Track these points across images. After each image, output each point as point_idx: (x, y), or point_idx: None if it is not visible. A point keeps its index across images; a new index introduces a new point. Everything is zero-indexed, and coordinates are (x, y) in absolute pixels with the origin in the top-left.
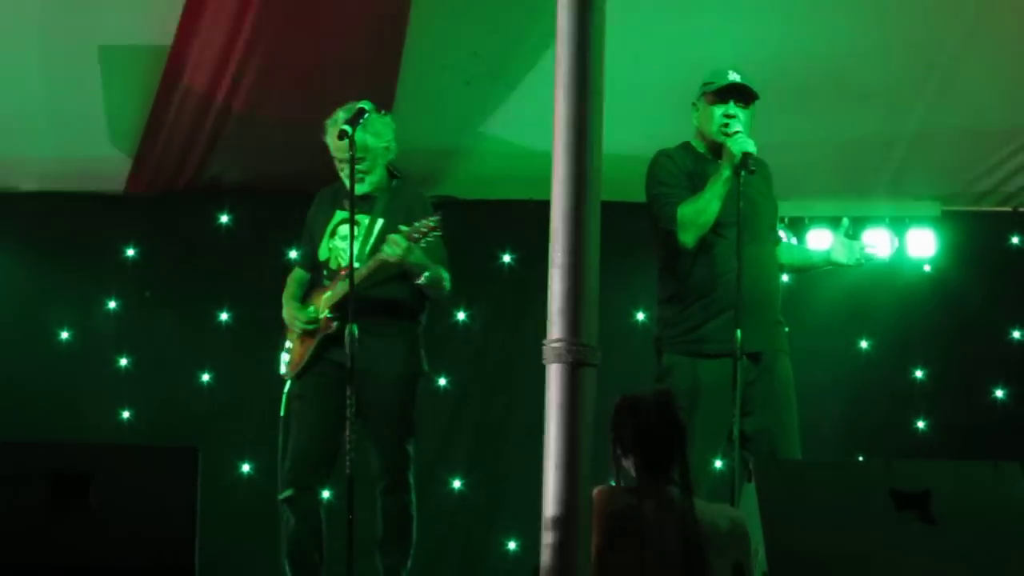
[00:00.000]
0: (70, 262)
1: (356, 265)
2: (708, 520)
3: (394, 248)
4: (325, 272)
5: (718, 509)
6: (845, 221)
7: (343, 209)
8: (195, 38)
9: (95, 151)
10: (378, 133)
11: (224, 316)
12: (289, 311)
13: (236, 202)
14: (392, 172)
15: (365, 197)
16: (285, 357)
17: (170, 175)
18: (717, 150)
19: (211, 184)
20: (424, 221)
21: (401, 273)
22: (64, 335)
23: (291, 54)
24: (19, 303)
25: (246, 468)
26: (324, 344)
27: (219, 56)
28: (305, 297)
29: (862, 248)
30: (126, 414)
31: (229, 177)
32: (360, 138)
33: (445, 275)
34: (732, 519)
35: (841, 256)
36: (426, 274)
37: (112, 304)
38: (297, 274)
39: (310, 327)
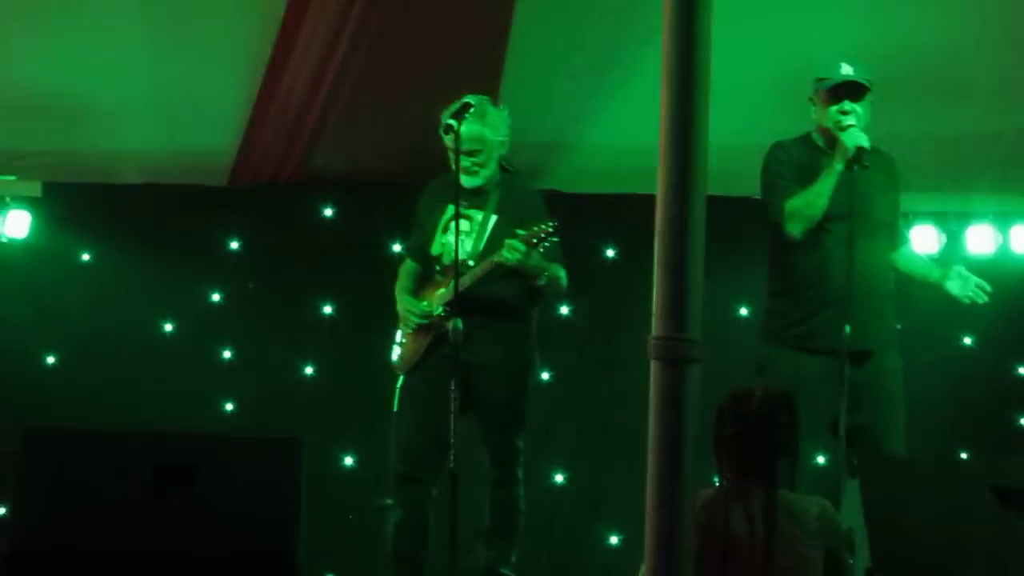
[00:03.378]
0: (174, 254)
1: (469, 263)
2: (798, 510)
3: (513, 253)
4: (438, 267)
5: (808, 500)
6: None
7: (454, 203)
8: (301, 30)
9: (200, 143)
10: (495, 126)
11: (327, 308)
12: (403, 304)
13: (339, 194)
14: (504, 167)
15: (478, 191)
16: (397, 351)
17: (274, 167)
18: (835, 144)
19: (315, 176)
20: (542, 226)
21: (513, 271)
22: (168, 327)
23: (396, 46)
24: (123, 295)
25: (349, 461)
26: (437, 340)
27: (324, 48)
28: (418, 290)
29: (976, 286)
30: (229, 406)
31: (333, 169)
32: (477, 130)
33: (562, 274)
34: (823, 508)
35: (955, 288)
36: (544, 274)
37: (215, 296)
38: (408, 266)
39: (424, 322)
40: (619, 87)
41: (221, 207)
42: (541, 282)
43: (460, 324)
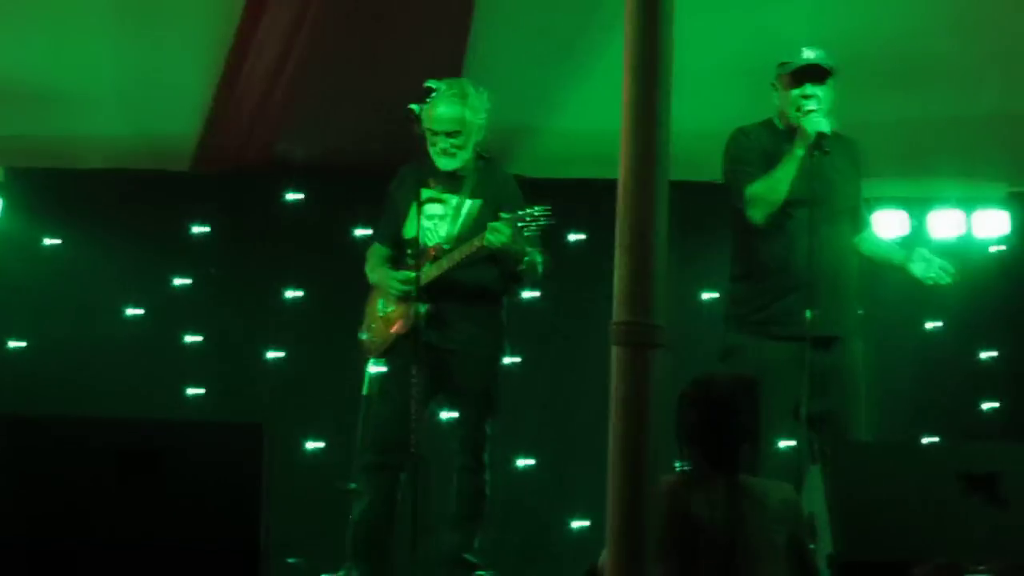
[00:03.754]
0: (138, 239)
1: (444, 247)
2: (759, 493)
3: (497, 236)
4: (410, 251)
5: (770, 485)
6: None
7: (427, 187)
8: (264, 14)
9: (164, 128)
10: (475, 108)
11: (293, 294)
12: (382, 274)
13: (304, 179)
14: (480, 153)
15: (453, 174)
16: (367, 335)
17: (238, 152)
18: (797, 129)
19: (280, 161)
20: (532, 209)
21: (490, 256)
22: (131, 312)
23: (359, 30)
24: (87, 281)
25: (311, 446)
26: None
27: (288, 32)
28: None
29: (940, 268)
30: (192, 391)
31: (297, 154)
32: (458, 112)
33: (540, 259)
34: (784, 493)
35: (918, 270)
36: (526, 259)
37: (179, 281)
38: (377, 249)
39: (407, 288)
40: (583, 73)
41: (186, 192)
42: (522, 267)
43: (424, 309)
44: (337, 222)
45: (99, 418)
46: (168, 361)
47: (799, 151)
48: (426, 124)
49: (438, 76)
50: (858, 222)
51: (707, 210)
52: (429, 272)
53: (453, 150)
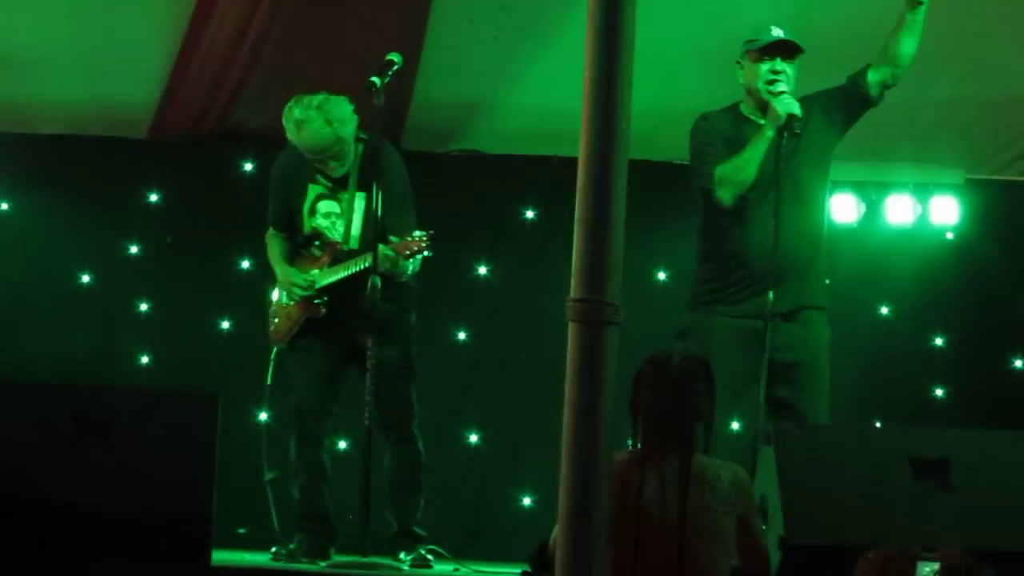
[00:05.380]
0: (92, 206)
1: (344, 248)
2: (711, 474)
3: (384, 263)
4: (317, 243)
5: (722, 464)
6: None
7: (315, 183)
8: None
9: (121, 95)
10: (342, 120)
11: (245, 264)
12: (286, 276)
13: (260, 149)
14: (357, 135)
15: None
16: (272, 324)
17: (196, 120)
18: (766, 107)
19: (236, 130)
20: (415, 237)
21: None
22: (85, 279)
23: (321, 4)
24: (41, 246)
25: (264, 416)
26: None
27: (246, 4)
28: (291, 262)
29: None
30: (145, 359)
31: (254, 124)
32: (331, 133)
33: (411, 269)
34: (735, 474)
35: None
36: (407, 275)
37: (133, 249)
38: (274, 236)
39: (309, 293)
40: (543, 49)
41: (141, 159)
42: (403, 279)
43: (379, 281)
44: None
45: (52, 384)
46: (120, 328)
47: (769, 132)
48: (300, 146)
49: (399, 49)
50: (824, 203)
51: (665, 189)
52: (324, 277)
53: (336, 164)
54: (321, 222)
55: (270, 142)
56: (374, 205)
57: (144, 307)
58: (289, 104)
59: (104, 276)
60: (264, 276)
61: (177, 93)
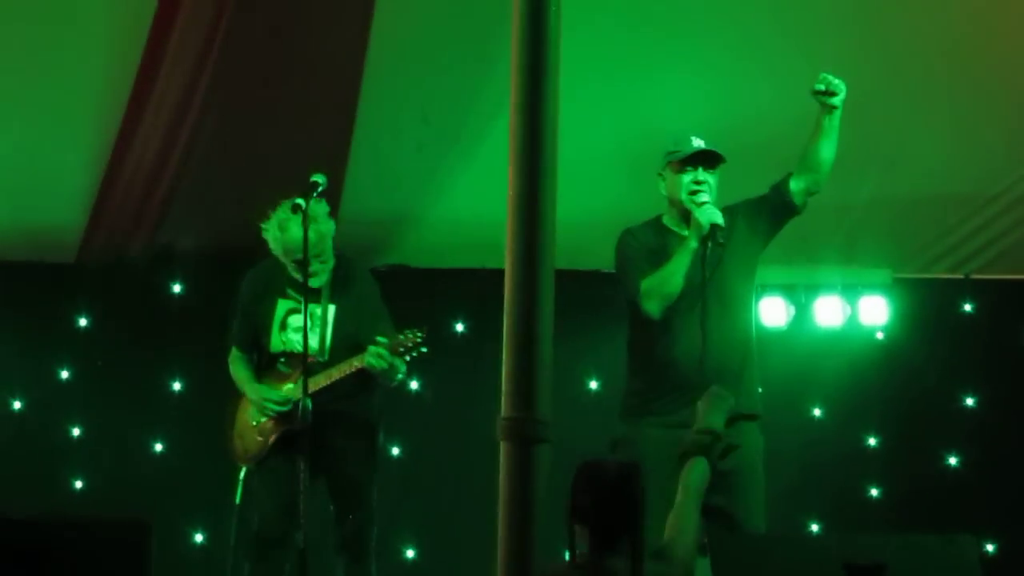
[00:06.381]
0: (22, 331)
1: (323, 358)
2: None
3: (378, 360)
4: (283, 360)
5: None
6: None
7: (285, 297)
8: (147, 107)
9: (47, 219)
10: (326, 220)
11: (177, 385)
12: (257, 394)
13: (188, 271)
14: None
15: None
16: (239, 443)
17: (122, 243)
18: (689, 218)
19: (164, 250)
20: (411, 335)
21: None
22: (16, 404)
23: (242, 119)
24: None
25: (199, 538)
26: (284, 435)
27: (171, 124)
28: (258, 381)
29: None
30: (79, 483)
31: (182, 244)
32: (317, 232)
33: (403, 369)
34: None
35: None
36: (399, 377)
37: (65, 373)
38: (237, 355)
39: (284, 408)
40: (466, 161)
41: (70, 283)
42: (392, 384)
43: (310, 404)
44: (220, 312)
45: None
46: (52, 453)
47: (693, 243)
48: (284, 249)
49: (323, 166)
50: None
51: (594, 297)
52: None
53: (319, 267)
54: (292, 336)
55: (197, 261)
56: (345, 316)
57: (76, 431)
58: (268, 216)
59: (35, 401)
60: (195, 397)
61: (103, 216)
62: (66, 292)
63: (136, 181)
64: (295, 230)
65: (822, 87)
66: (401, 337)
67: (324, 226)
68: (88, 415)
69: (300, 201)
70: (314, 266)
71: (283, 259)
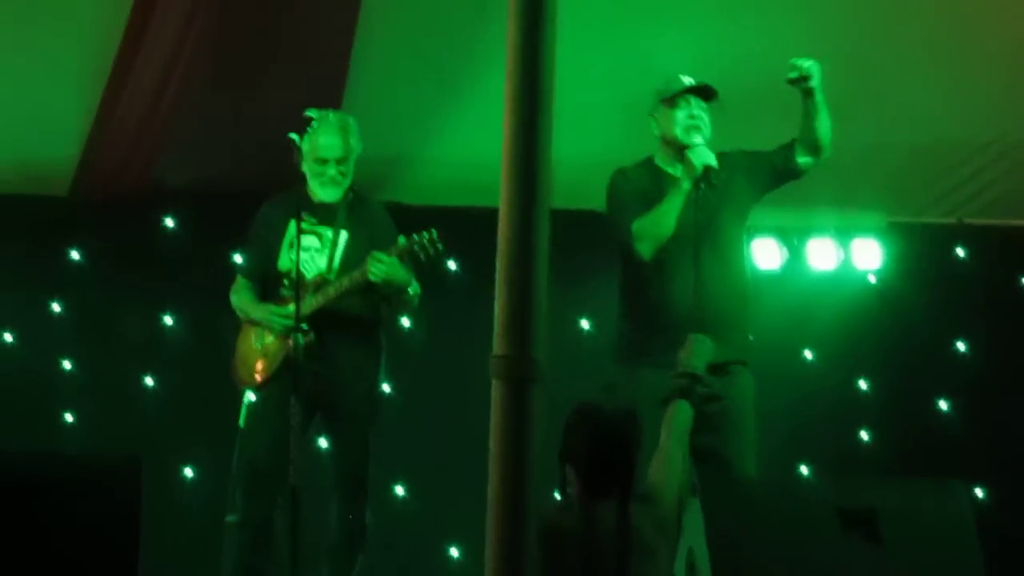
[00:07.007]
0: (14, 265)
1: (329, 278)
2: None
3: (379, 266)
4: (286, 282)
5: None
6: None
7: (302, 220)
8: (144, 39)
9: (41, 153)
10: (357, 138)
11: (169, 320)
12: (262, 311)
13: (181, 206)
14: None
15: (326, 207)
16: (243, 365)
17: (117, 178)
18: (681, 157)
19: (158, 187)
20: (425, 235)
21: (368, 286)
22: (7, 337)
23: (238, 55)
24: None
25: (189, 473)
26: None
27: (167, 57)
28: None
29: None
30: (69, 417)
31: (176, 181)
32: (344, 139)
33: (417, 290)
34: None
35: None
36: (409, 290)
37: (56, 307)
38: (242, 283)
39: (290, 322)
40: (463, 100)
41: (63, 218)
42: (404, 296)
43: (302, 340)
44: (215, 249)
45: None
46: (44, 387)
47: (686, 184)
48: (312, 154)
49: (318, 104)
50: (745, 247)
51: (589, 238)
52: (311, 303)
53: (340, 177)
54: (301, 255)
55: (192, 198)
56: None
57: (68, 365)
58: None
59: (27, 334)
60: (187, 333)
61: (97, 151)
62: (59, 226)
63: (130, 116)
64: (326, 129)
65: (795, 75)
66: (416, 237)
67: (355, 142)
68: (80, 349)
69: (295, 136)
70: (331, 169)
71: (310, 167)
